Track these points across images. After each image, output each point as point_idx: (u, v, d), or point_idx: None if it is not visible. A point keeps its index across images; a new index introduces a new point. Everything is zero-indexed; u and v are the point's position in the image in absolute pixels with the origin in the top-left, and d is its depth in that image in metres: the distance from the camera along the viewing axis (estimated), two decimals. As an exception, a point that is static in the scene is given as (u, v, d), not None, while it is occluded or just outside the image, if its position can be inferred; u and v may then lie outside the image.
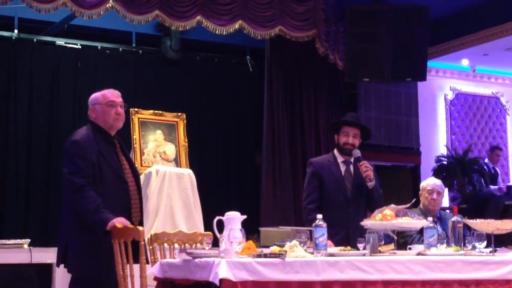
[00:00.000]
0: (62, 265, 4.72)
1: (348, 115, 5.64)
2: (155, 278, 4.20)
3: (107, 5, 7.86)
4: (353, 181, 5.37)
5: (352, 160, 5.43)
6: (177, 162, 8.11)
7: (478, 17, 9.70)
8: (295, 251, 3.91)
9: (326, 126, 9.33)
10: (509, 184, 10.87)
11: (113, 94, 4.81)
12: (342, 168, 5.42)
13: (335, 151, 5.45)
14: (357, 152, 5.34)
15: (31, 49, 8.99)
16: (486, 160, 10.81)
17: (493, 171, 10.68)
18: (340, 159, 5.41)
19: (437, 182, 6.05)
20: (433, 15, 8.97)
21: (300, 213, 8.69)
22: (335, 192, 5.31)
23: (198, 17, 8.41)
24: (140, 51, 9.68)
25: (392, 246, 4.57)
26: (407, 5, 8.95)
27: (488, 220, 4.73)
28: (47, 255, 6.77)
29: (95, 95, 4.83)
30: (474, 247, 4.44)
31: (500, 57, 10.83)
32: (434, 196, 5.82)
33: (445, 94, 11.66)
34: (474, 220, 4.70)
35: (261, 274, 3.68)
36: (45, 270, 6.76)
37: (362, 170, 5.27)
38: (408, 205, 4.83)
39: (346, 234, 5.18)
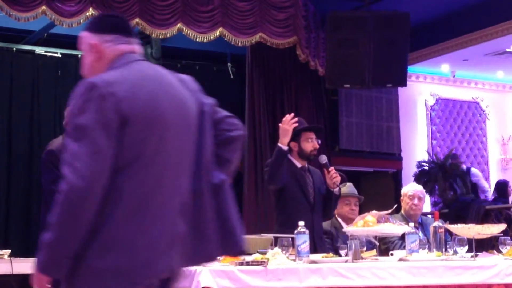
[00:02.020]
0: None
1: (300, 120, 5.43)
2: (137, 287, 4.18)
3: (87, 13, 7.84)
4: (314, 186, 5.32)
5: (307, 166, 5.38)
6: (158, 170, 8.08)
7: (457, 23, 9.77)
8: (277, 258, 3.91)
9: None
10: None
11: None
12: (302, 174, 5.36)
13: (291, 157, 5.28)
14: (324, 158, 5.28)
15: (11, 58, 8.94)
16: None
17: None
18: (298, 165, 5.33)
19: (418, 187, 6.07)
20: (413, 21, 9.02)
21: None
22: (300, 198, 5.25)
23: (179, 25, 8.40)
24: (121, 59, 9.64)
25: (374, 252, 4.59)
26: (387, 11, 8.99)
27: (469, 225, 4.76)
28: (28, 265, 6.69)
29: None
30: (455, 252, 4.46)
31: (479, 62, 10.91)
32: (415, 201, 5.84)
33: (425, 100, 11.73)
34: (456, 225, 4.73)
35: (244, 282, 3.68)
36: (26, 281, 6.68)
37: (331, 176, 5.22)
38: (389, 211, 4.85)
39: (312, 239, 5.14)
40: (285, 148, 5.08)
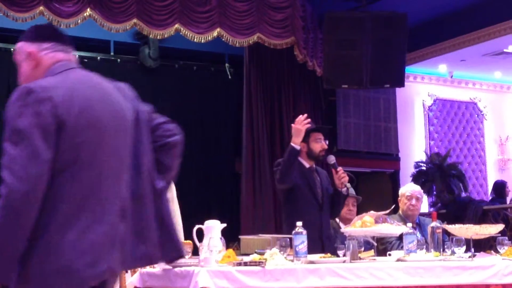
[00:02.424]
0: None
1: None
2: (135, 288, 4.18)
3: (85, 14, 7.84)
4: (322, 187, 5.36)
5: (314, 166, 5.42)
6: (156, 170, 8.06)
7: (455, 23, 9.78)
8: (275, 259, 3.91)
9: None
10: None
11: None
12: (310, 174, 5.40)
13: (299, 158, 5.31)
14: (332, 159, 5.33)
15: (9, 59, 8.91)
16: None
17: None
18: (306, 165, 5.37)
19: (416, 188, 6.07)
20: (411, 22, 9.03)
21: (281, 221, 8.68)
22: (309, 198, 5.28)
23: (176, 25, 8.40)
24: (119, 60, 9.65)
25: (372, 252, 4.59)
26: (385, 12, 8.99)
27: (467, 225, 4.76)
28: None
29: None
30: (453, 252, 4.46)
31: (477, 62, 10.91)
32: (413, 202, 5.84)
33: (423, 100, 11.73)
34: (453, 225, 4.73)
35: (242, 282, 3.68)
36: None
37: (339, 176, 5.27)
38: (387, 211, 4.86)
39: (320, 239, 5.17)
40: (298, 147, 5.13)
